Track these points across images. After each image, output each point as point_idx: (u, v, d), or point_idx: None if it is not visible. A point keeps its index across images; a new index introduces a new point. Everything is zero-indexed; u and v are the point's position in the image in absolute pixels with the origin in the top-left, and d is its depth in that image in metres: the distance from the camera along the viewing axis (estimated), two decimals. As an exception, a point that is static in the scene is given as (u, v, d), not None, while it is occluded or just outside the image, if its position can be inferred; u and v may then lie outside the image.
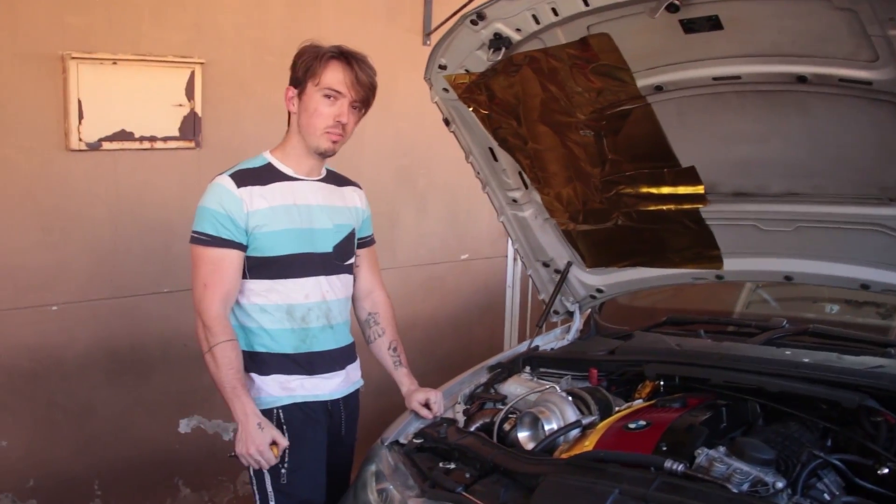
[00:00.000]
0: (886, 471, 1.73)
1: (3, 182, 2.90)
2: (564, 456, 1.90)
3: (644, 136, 2.12)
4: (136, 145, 3.13)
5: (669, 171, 2.19)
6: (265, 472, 2.09)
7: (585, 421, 2.03)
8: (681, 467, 1.66)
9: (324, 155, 2.17)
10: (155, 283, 3.27)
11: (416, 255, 4.24)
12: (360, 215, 2.30)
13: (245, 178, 2.09)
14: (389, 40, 3.85)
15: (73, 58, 2.92)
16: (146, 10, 3.11)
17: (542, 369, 2.48)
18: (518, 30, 1.93)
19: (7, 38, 2.84)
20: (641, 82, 1.96)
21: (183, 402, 3.41)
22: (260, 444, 1.97)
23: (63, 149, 2.99)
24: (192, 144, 3.27)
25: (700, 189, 2.20)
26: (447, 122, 2.34)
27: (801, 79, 1.78)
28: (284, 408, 2.12)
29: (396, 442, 2.13)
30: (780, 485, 1.62)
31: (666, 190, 2.25)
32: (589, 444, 1.89)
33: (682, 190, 2.23)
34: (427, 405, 2.24)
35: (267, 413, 2.09)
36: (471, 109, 2.24)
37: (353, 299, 2.35)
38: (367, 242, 2.35)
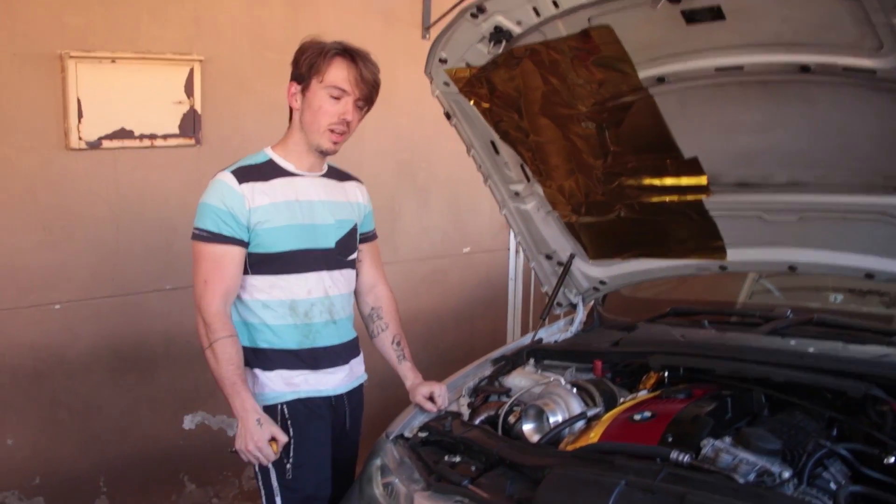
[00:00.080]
0: (893, 460, 1.72)
1: (4, 182, 2.90)
2: (570, 448, 1.89)
3: (646, 128, 2.11)
4: (136, 143, 3.12)
5: (672, 162, 2.18)
6: (270, 467, 2.09)
7: (590, 413, 2.03)
8: (687, 458, 1.66)
9: (324, 154, 2.16)
10: (157, 281, 3.27)
11: (418, 249, 4.24)
12: (361, 210, 2.30)
13: (246, 174, 2.08)
14: (389, 35, 3.84)
15: (72, 57, 2.91)
16: (145, 8, 3.10)
17: (546, 361, 2.48)
18: (519, 22, 1.93)
19: (5, 38, 2.83)
20: (643, 74, 1.95)
21: (187, 399, 3.41)
22: (258, 440, 1.97)
23: (63, 148, 2.99)
24: (192, 142, 3.26)
25: (703, 180, 2.20)
26: (448, 116, 2.33)
27: (805, 68, 1.77)
28: (289, 403, 2.12)
29: (401, 436, 2.13)
30: (786, 474, 1.62)
31: (669, 181, 2.25)
32: (594, 436, 1.89)
33: (684, 181, 2.23)
34: (431, 399, 2.24)
35: (271, 409, 2.09)
36: (472, 103, 2.23)
37: (356, 294, 2.35)
38: (369, 237, 2.35)
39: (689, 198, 2.27)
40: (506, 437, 2.02)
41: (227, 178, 2.07)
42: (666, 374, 2.22)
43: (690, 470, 1.64)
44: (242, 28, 3.39)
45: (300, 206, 2.12)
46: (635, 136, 2.16)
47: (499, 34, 1.95)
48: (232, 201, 2.04)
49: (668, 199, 2.30)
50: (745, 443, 1.70)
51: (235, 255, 2.06)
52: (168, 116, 3.17)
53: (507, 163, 2.41)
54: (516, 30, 1.94)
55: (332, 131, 2.09)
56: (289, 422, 2.10)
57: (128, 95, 3.06)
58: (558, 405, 2.05)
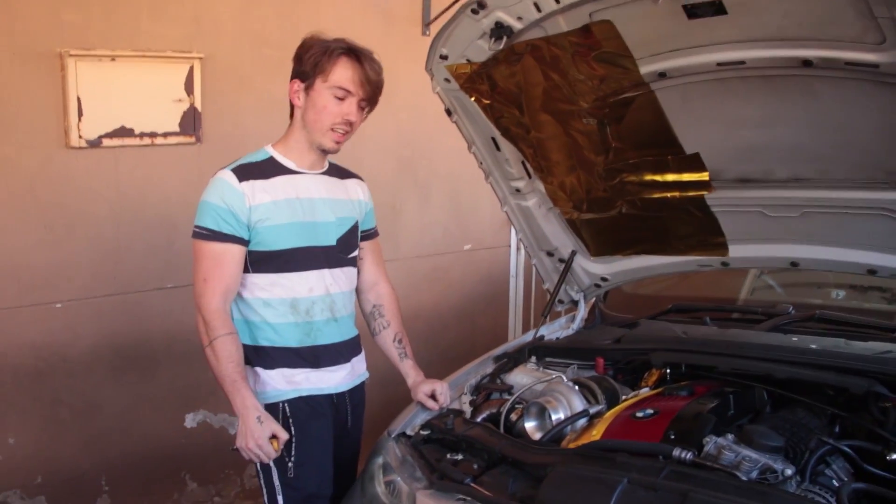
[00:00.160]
0: (895, 456, 1.72)
1: (5, 181, 2.89)
2: (572, 445, 1.89)
3: (648, 124, 2.10)
4: (137, 141, 3.12)
5: (673, 158, 2.17)
6: (272, 465, 2.09)
7: (592, 410, 2.03)
8: (689, 456, 1.66)
9: (325, 153, 2.16)
10: (158, 279, 3.27)
11: (419, 246, 4.23)
12: (363, 208, 2.29)
13: (247, 172, 2.08)
14: (389, 31, 3.83)
15: (72, 55, 2.90)
16: (144, 6, 3.09)
17: (547, 359, 2.48)
18: (519, 18, 1.92)
19: (4, 36, 2.82)
20: (644, 69, 1.95)
21: (188, 397, 3.41)
22: (259, 437, 1.97)
23: (63, 146, 2.98)
24: (193, 139, 3.26)
25: (704, 176, 2.19)
26: (449, 113, 2.32)
27: (807, 63, 1.76)
28: (290, 402, 2.12)
29: (403, 434, 2.13)
30: (788, 472, 1.61)
31: (670, 177, 2.24)
32: (596, 434, 1.89)
33: (686, 177, 2.22)
34: (433, 396, 2.24)
35: (272, 407, 2.08)
36: (473, 99, 2.22)
37: (358, 292, 2.34)
38: (370, 235, 2.34)
39: (691, 194, 2.26)
40: (508, 434, 2.02)
41: (228, 176, 2.06)
42: (668, 370, 2.21)
43: (693, 467, 1.64)
44: (242, 25, 3.38)
45: (301, 203, 2.12)
46: (637, 132, 2.15)
47: (500, 30, 1.94)
48: (232, 199, 2.03)
49: (669, 195, 2.29)
50: (748, 440, 1.69)
51: (235, 253, 2.05)
52: (168, 114, 3.16)
53: (508, 159, 2.40)
54: (517, 25, 1.93)
55: (334, 131, 2.09)
56: (290, 420, 2.10)
57: (128, 93, 3.05)
58: (560, 403, 2.05)
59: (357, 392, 2.29)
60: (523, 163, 2.42)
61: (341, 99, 2.06)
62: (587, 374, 2.31)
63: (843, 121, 1.91)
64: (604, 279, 2.70)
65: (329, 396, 2.18)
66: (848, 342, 2.25)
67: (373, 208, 2.35)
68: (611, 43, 1.89)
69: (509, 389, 2.31)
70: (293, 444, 2.08)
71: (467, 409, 2.24)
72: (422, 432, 2.10)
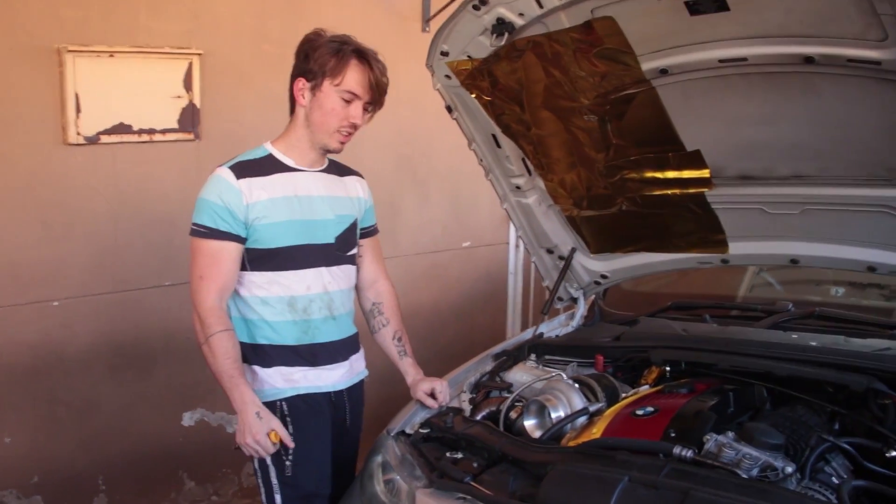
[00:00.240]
0: (895, 453, 1.72)
1: (2, 178, 2.88)
2: (572, 444, 1.88)
3: (649, 121, 2.09)
4: (135, 138, 3.11)
5: (674, 155, 2.16)
6: (270, 464, 2.08)
7: (592, 408, 2.02)
8: (690, 453, 1.65)
9: (329, 153, 2.16)
10: (157, 277, 3.26)
11: (418, 244, 4.23)
12: (362, 205, 2.28)
13: (245, 169, 2.07)
14: (388, 27, 3.82)
15: (70, 51, 2.90)
16: (143, 2, 3.09)
17: (547, 356, 2.47)
18: (521, 14, 1.91)
19: (2, 31, 2.81)
20: (646, 66, 1.94)
21: (186, 396, 3.40)
22: (257, 432, 1.96)
23: (61, 143, 2.97)
24: (192, 136, 3.25)
25: (705, 173, 2.18)
26: (450, 110, 2.32)
27: (809, 60, 1.76)
28: (288, 400, 2.11)
29: (403, 432, 2.12)
30: (789, 469, 1.61)
31: (671, 174, 2.23)
32: (597, 432, 1.88)
33: (687, 174, 2.21)
34: (432, 395, 2.23)
35: (270, 405, 2.07)
36: (473, 96, 2.22)
37: (357, 289, 2.34)
38: (370, 232, 2.33)
39: (692, 191, 2.25)
40: (507, 433, 2.01)
41: (225, 173, 2.05)
42: (667, 368, 2.21)
43: (694, 465, 1.63)
44: (241, 22, 3.37)
45: (299, 201, 2.11)
46: (638, 129, 2.14)
47: (501, 26, 1.94)
48: (229, 197, 2.02)
49: (670, 192, 2.29)
50: (749, 438, 1.69)
51: (232, 250, 2.05)
52: (167, 111, 3.16)
53: (508, 156, 2.40)
54: (519, 22, 1.93)
55: (339, 132, 2.09)
56: (288, 418, 2.09)
57: (126, 90, 3.05)
58: (560, 400, 2.04)
59: (356, 390, 2.28)
60: (524, 160, 2.41)
61: (348, 101, 2.06)
62: (587, 372, 2.30)
63: (845, 118, 1.90)
64: (603, 276, 2.69)
65: (327, 394, 2.18)
66: (847, 339, 2.24)
67: (373, 206, 2.34)
68: (612, 39, 1.89)
69: (509, 387, 2.30)
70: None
71: (467, 408, 2.23)
72: (421, 431, 2.09)
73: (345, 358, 2.22)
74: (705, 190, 2.23)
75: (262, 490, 2.13)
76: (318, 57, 2.03)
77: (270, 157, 2.12)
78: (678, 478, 1.55)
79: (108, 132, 3.04)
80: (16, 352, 2.98)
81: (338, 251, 2.19)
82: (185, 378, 3.36)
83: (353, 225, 2.24)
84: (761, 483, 1.57)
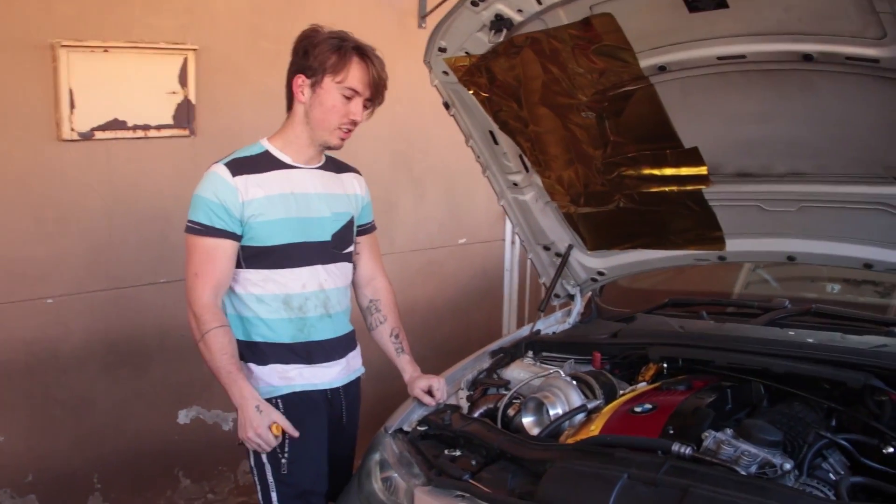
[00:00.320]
0: (892, 450, 1.72)
1: (-4, 174, 2.87)
2: (570, 441, 1.88)
3: (647, 118, 2.09)
4: (130, 134, 3.09)
5: (672, 152, 2.16)
6: (266, 462, 2.08)
7: (591, 405, 2.02)
8: (689, 451, 1.65)
9: (329, 149, 2.16)
10: (151, 274, 3.25)
11: (414, 240, 4.22)
12: (359, 202, 2.28)
13: (241, 166, 2.06)
14: (384, 24, 3.81)
15: (63, 46, 2.87)
16: (137, -3, 3.07)
17: (544, 353, 2.47)
18: (520, 10, 1.90)
19: (-5, 26, 2.79)
20: (644, 63, 1.94)
21: (181, 393, 3.39)
22: (258, 425, 1.96)
23: (55, 139, 2.95)
24: (187, 132, 3.23)
25: (703, 170, 2.18)
26: (447, 106, 2.31)
27: (807, 57, 1.75)
28: (283, 397, 2.10)
29: (400, 430, 2.12)
30: (787, 466, 1.61)
31: (668, 171, 2.23)
32: (595, 429, 1.88)
33: (684, 171, 2.21)
34: (430, 392, 2.23)
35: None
36: (471, 93, 2.21)
37: (355, 286, 2.33)
38: (367, 229, 2.33)
39: (689, 188, 2.25)
40: (505, 430, 2.01)
41: (221, 170, 2.04)
42: (665, 365, 2.21)
43: (692, 462, 1.63)
44: (237, 17, 3.35)
45: (295, 198, 2.10)
46: (636, 126, 2.14)
47: (499, 22, 1.93)
48: (225, 194, 2.02)
49: (667, 189, 2.29)
50: (747, 435, 1.69)
51: (227, 248, 2.04)
52: (162, 107, 3.14)
53: (505, 153, 2.39)
54: (517, 18, 1.92)
55: (339, 129, 2.08)
56: (284, 416, 2.08)
57: (121, 85, 3.03)
58: (558, 398, 2.03)
59: (352, 387, 2.27)
60: (521, 156, 2.41)
61: (349, 98, 2.05)
62: (584, 369, 2.30)
63: (843, 115, 1.90)
64: (600, 273, 2.69)
65: (323, 392, 2.17)
66: (844, 336, 2.25)
67: (370, 202, 2.33)
68: (611, 36, 1.88)
69: (506, 384, 2.30)
70: (287, 441, 2.07)
71: (464, 405, 2.23)
72: (419, 428, 2.09)
73: (341, 356, 2.22)
74: (703, 187, 2.23)
75: (259, 488, 2.13)
76: (319, 53, 2.01)
77: (267, 153, 2.11)
78: (677, 475, 1.56)
79: (102, 128, 3.02)
80: (10, 349, 2.96)
81: (334, 249, 2.18)
82: (181, 375, 3.34)
83: (350, 222, 2.23)
84: (760, 480, 1.57)
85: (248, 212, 2.04)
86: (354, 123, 2.09)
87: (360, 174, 2.32)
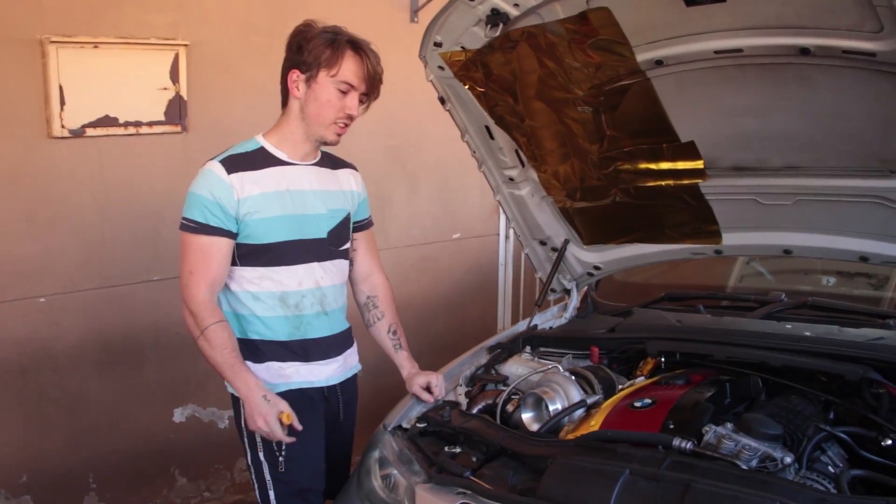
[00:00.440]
0: (890, 442, 1.73)
1: (-14, 172, 2.84)
2: (570, 436, 1.88)
3: (643, 112, 2.08)
4: (121, 131, 3.07)
5: (668, 146, 2.16)
6: (263, 460, 2.07)
7: (590, 400, 2.02)
8: (689, 445, 1.66)
9: (326, 146, 2.15)
10: (145, 271, 3.23)
11: (408, 236, 4.21)
12: (355, 199, 2.26)
13: (236, 163, 2.04)
14: (376, 18, 3.79)
15: (53, 42, 2.84)
16: (127, -8, 3.04)
17: (542, 349, 2.47)
18: (516, 5, 1.89)
19: (-17, 22, 2.76)
20: (641, 57, 1.93)
21: (177, 391, 3.38)
22: (267, 413, 1.94)
23: (45, 136, 2.93)
24: (179, 129, 3.21)
25: (699, 164, 2.18)
26: (443, 101, 2.30)
27: (804, 51, 1.75)
28: (280, 395, 2.08)
29: (399, 427, 2.11)
30: (788, 460, 1.62)
31: (665, 165, 2.23)
32: (595, 424, 1.88)
33: (681, 165, 2.21)
34: (428, 389, 2.22)
35: (263, 401, 2.05)
36: (467, 87, 2.20)
37: (352, 283, 2.32)
38: (364, 225, 2.32)
39: (685, 182, 2.25)
40: (504, 425, 2.00)
41: (216, 167, 2.03)
42: (662, 359, 2.21)
43: (694, 457, 1.63)
44: (228, 12, 3.32)
45: (291, 196, 2.09)
46: (632, 120, 2.14)
47: (496, 17, 1.92)
48: (220, 192, 2.00)
49: (663, 183, 2.28)
50: (747, 429, 1.70)
51: (223, 246, 2.02)
52: (153, 103, 3.11)
53: (501, 148, 2.38)
54: (513, 12, 1.91)
55: (335, 124, 2.07)
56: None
57: (111, 82, 3.00)
58: (557, 393, 2.03)
59: (349, 385, 2.27)
60: (517, 151, 2.40)
61: (344, 93, 2.03)
62: (582, 364, 2.30)
63: (839, 109, 1.90)
64: (596, 268, 2.69)
65: (320, 389, 2.16)
66: (841, 329, 2.26)
67: (367, 198, 2.32)
68: (607, 30, 1.87)
69: (504, 380, 2.30)
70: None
71: (463, 401, 2.22)
72: (418, 425, 2.08)
73: (338, 353, 2.21)
74: (699, 181, 2.23)
75: (256, 486, 2.12)
76: (313, 48, 2.00)
77: (262, 150, 2.10)
78: (679, 470, 1.56)
79: (93, 125, 2.99)
80: (2, 349, 2.94)
81: (330, 246, 2.17)
82: (176, 374, 3.33)
83: (346, 219, 2.22)
84: (762, 474, 1.58)
85: (244, 209, 2.02)
86: (350, 118, 2.08)
87: (356, 170, 2.31)
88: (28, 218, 2.94)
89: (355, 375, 2.30)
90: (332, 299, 2.17)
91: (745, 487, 1.49)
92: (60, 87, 2.89)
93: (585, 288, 2.84)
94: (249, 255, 2.06)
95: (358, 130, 3.73)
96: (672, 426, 1.79)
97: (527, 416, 2.05)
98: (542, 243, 2.68)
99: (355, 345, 2.30)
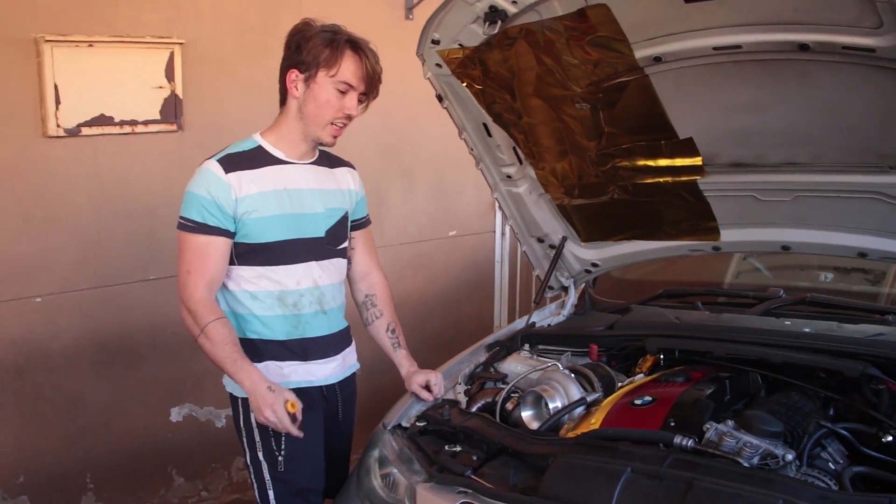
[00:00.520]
0: (891, 438, 1.73)
1: (-19, 171, 2.82)
2: (571, 435, 1.88)
3: (641, 109, 2.08)
4: (117, 130, 3.06)
5: (667, 143, 2.15)
6: (263, 460, 2.07)
7: (590, 398, 2.02)
8: (691, 443, 1.66)
9: (322, 146, 2.14)
10: (141, 271, 3.22)
11: (404, 233, 4.20)
12: (353, 197, 2.26)
13: (234, 162, 2.03)
14: (371, 15, 3.78)
15: (48, 41, 2.83)
16: (121, -10, 3.02)
17: (540, 346, 2.46)
18: (514, 2, 1.88)
19: (-23, 21, 2.74)
20: (639, 53, 1.92)
21: (173, 391, 3.37)
22: (274, 403, 1.92)
23: (40, 135, 2.91)
24: (174, 127, 3.20)
25: (698, 161, 2.18)
26: (440, 99, 2.29)
27: (803, 47, 1.75)
28: (280, 393, 2.08)
29: (399, 426, 2.10)
30: (789, 457, 1.62)
31: (663, 162, 2.22)
32: (595, 422, 1.88)
33: (679, 162, 2.20)
34: (427, 387, 2.21)
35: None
36: (464, 85, 2.19)
37: (350, 281, 2.32)
38: (361, 224, 2.31)
39: (684, 178, 2.24)
40: (504, 424, 2.00)
41: (214, 166, 2.02)
42: (661, 356, 2.21)
43: (695, 455, 1.63)
44: (223, 10, 3.31)
45: (289, 195, 2.08)
46: (630, 117, 2.13)
47: (494, 14, 1.91)
48: (217, 191, 1.99)
49: (662, 180, 2.28)
50: (748, 426, 1.69)
51: (220, 245, 2.02)
52: (148, 102, 3.10)
53: (499, 145, 2.38)
54: (512, 9, 1.90)
55: (333, 125, 2.06)
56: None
57: (106, 81, 2.99)
58: (557, 391, 2.03)
59: (348, 384, 2.26)
60: (514, 149, 2.39)
61: (343, 93, 2.02)
62: (581, 362, 2.30)
63: (838, 105, 1.90)
64: (594, 265, 2.69)
65: (319, 388, 2.16)
66: (840, 325, 2.26)
67: (364, 197, 2.32)
68: (606, 27, 1.87)
69: (503, 378, 2.29)
70: (283, 438, 2.05)
71: (462, 399, 2.22)
72: (418, 424, 2.08)
73: (336, 352, 2.20)
74: (697, 177, 2.22)
75: (256, 486, 2.12)
76: (312, 48, 1.99)
77: (260, 148, 2.09)
78: (681, 468, 1.56)
79: (88, 124, 2.98)
80: (-2, 349, 2.93)
81: (328, 245, 2.16)
82: (172, 373, 3.32)
83: (344, 218, 2.21)
84: (764, 472, 1.58)
85: (242, 208, 2.01)
86: (349, 118, 2.07)
87: (353, 168, 2.30)
88: (24, 217, 2.93)
89: (354, 374, 2.30)
90: (331, 298, 2.17)
91: (747, 485, 1.48)
92: (55, 86, 2.87)
93: (583, 285, 2.83)
94: (247, 254, 2.05)
95: (353, 128, 3.70)
96: (673, 424, 1.79)
97: (527, 415, 2.04)
98: (540, 241, 2.67)
99: (354, 343, 2.29)
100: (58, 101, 2.89)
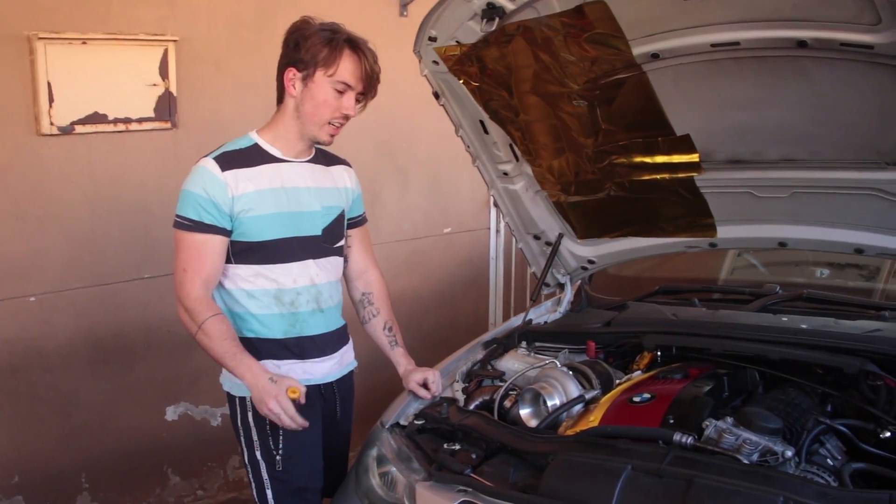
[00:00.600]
0: (889, 434, 1.74)
1: (-27, 170, 2.80)
2: (569, 432, 1.88)
3: (638, 105, 2.07)
4: (110, 128, 3.04)
5: (664, 139, 2.15)
6: (260, 459, 2.06)
7: (588, 395, 2.01)
8: (690, 440, 1.65)
9: (318, 145, 2.13)
10: (135, 269, 3.20)
11: (399, 231, 4.20)
12: (349, 195, 2.25)
13: (230, 160, 2.02)
14: (366, 12, 3.75)
15: (41, 38, 2.81)
16: (115, -14, 3.00)
17: (538, 343, 2.46)
18: (512, -1, 1.88)
19: (-30, 18, 2.72)
20: (637, 50, 1.92)
21: (169, 390, 3.35)
22: (277, 394, 1.92)
23: (34, 134, 2.89)
24: (168, 125, 3.18)
25: (695, 157, 2.18)
26: (437, 96, 2.29)
27: (802, 44, 1.75)
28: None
29: (397, 424, 2.09)
30: (788, 453, 1.62)
31: (660, 159, 2.22)
32: (594, 420, 1.87)
33: (676, 159, 2.20)
34: (425, 385, 2.21)
35: (259, 399, 2.04)
36: (461, 82, 2.19)
37: (347, 280, 2.31)
38: (358, 222, 2.30)
39: (681, 175, 2.24)
40: (502, 421, 1.99)
41: (210, 164, 2.01)
42: (659, 353, 2.21)
43: (695, 452, 1.63)
44: (217, 7, 3.29)
45: (286, 193, 2.07)
46: (627, 114, 2.13)
47: (491, 11, 1.91)
48: (214, 189, 1.98)
49: (658, 176, 2.28)
50: (747, 423, 1.69)
51: (217, 243, 2.01)
52: (142, 99, 3.08)
53: (496, 142, 2.37)
54: (509, 6, 1.90)
55: (330, 124, 2.05)
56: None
57: (100, 78, 2.97)
58: (555, 388, 2.03)
59: (345, 382, 2.26)
60: (511, 146, 2.39)
61: (341, 92, 2.01)
62: (579, 359, 2.30)
63: (836, 101, 1.90)
64: (591, 262, 2.69)
65: (317, 387, 2.15)
66: (837, 321, 2.26)
67: (360, 195, 2.31)
68: (604, 24, 1.86)
69: (501, 376, 2.29)
70: (281, 437, 2.05)
71: (460, 397, 2.21)
72: (416, 422, 2.07)
73: (334, 350, 2.20)
74: (694, 174, 2.23)
75: (253, 485, 2.11)
76: (310, 46, 1.98)
77: (256, 146, 2.08)
78: (681, 465, 1.55)
79: (82, 122, 2.96)
80: (-8, 349, 2.91)
81: (325, 243, 2.16)
82: (167, 372, 3.30)
83: (341, 216, 2.21)
84: (764, 468, 1.58)
85: (238, 207, 2.01)
86: (346, 118, 2.06)
87: (349, 166, 2.29)
88: (17, 216, 2.91)
89: (352, 372, 2.29)
90: (328, 296, 2.16)
91: (747, 482, 1.48)
92: (49, 84, 2.85)
93: (579, 282, 2.83)
94: (244, 252, 2.04)
95: (348, 126, 3.69)
96: (672, 421, 1.79)
97: (525, 412, 2.04)
98: (537, 238, 2.67)
99: (351, 342, 2.29)
100: (51, 99, 2.87)
